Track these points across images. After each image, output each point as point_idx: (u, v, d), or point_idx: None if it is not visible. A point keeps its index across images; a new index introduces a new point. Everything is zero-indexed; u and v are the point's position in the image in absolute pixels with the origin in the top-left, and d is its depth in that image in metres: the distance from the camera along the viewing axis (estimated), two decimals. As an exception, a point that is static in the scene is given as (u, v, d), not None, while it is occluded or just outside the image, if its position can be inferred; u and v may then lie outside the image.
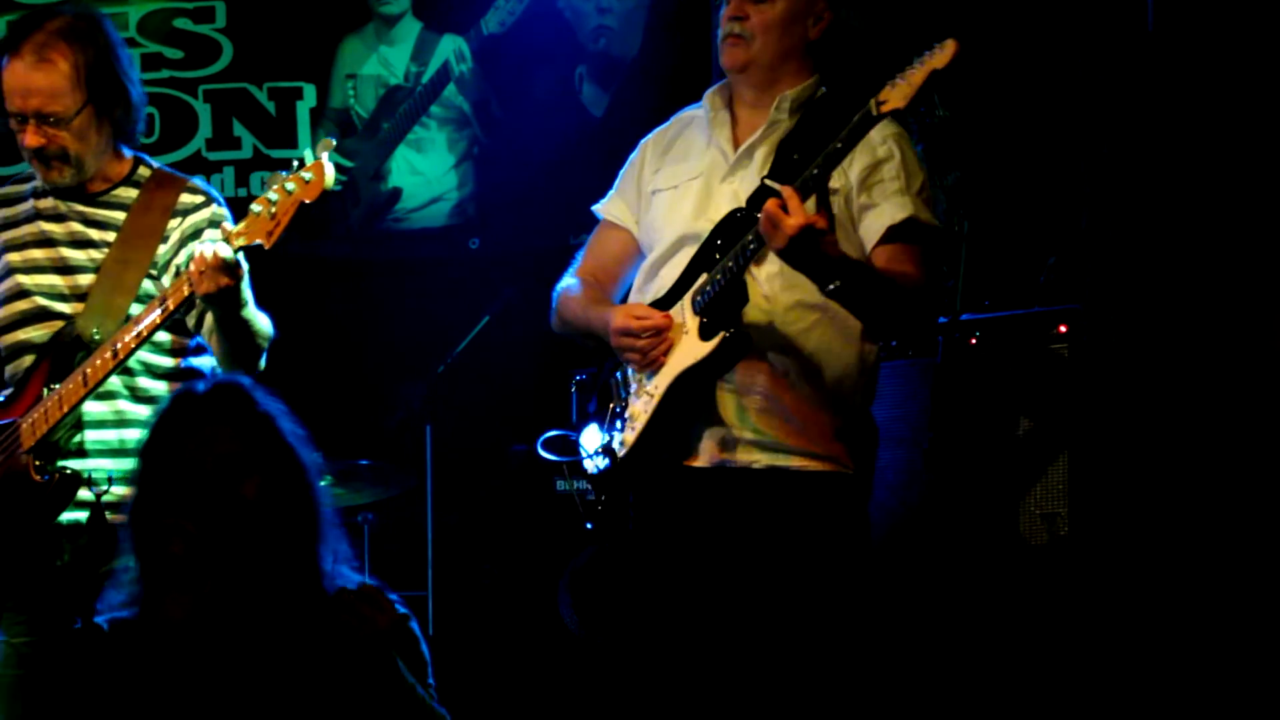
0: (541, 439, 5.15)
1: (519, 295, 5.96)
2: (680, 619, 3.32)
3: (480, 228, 6.63)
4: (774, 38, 3.35)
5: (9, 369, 3.55)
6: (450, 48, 6.61)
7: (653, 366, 3.32)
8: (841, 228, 3.26)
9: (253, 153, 6.60)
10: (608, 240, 3.58)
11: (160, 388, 3.47)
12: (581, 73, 6.56)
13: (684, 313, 3.30)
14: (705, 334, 3.24)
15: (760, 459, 3.29)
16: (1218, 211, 4.46)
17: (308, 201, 3.19)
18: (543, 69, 6.56)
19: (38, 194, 3.58)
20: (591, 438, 3.50)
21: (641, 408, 3.33)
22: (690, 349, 3.26)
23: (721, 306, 3.23)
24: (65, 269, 3.52)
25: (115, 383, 3.42)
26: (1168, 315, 4.48)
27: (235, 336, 3.40)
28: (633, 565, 3.43)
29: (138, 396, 3.46)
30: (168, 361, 3.51)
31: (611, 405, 3.44)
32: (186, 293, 3.28)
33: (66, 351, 3.43)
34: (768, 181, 3.25)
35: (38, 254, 3.54)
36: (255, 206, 3.22)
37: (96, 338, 3.42)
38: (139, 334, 3.33)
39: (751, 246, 3.17)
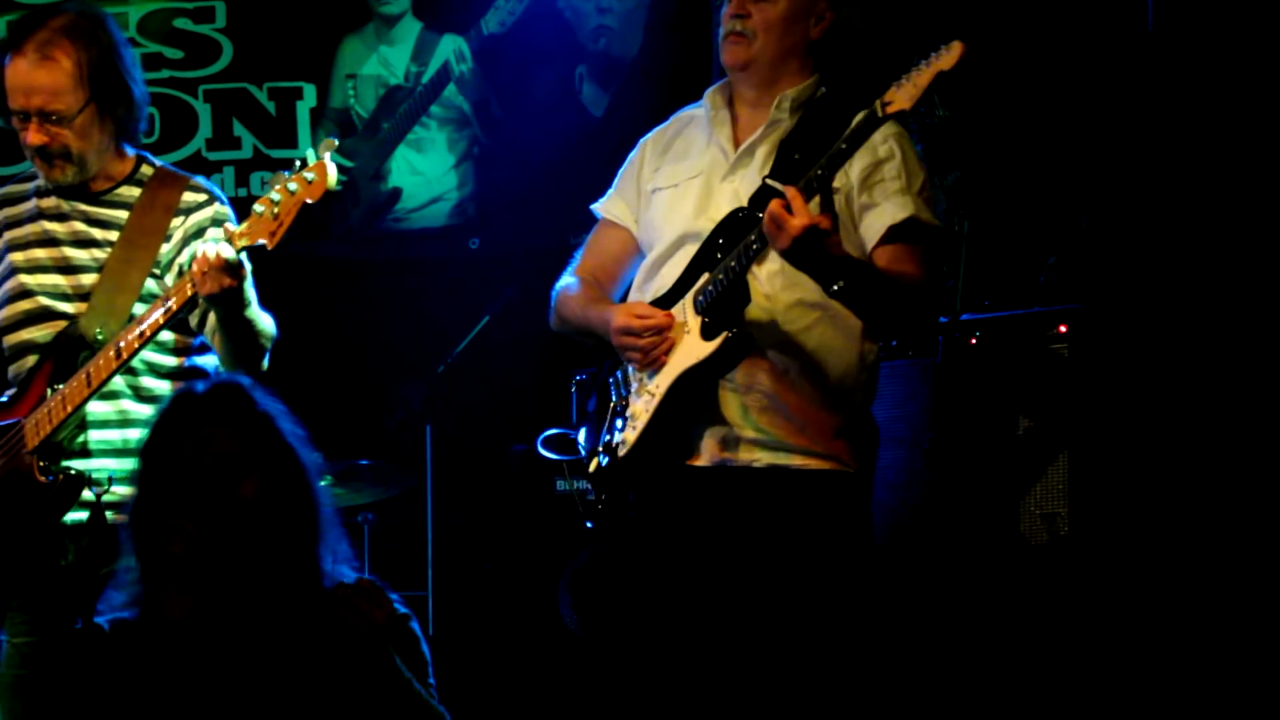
0: (541, 437, 5.15)
1: (519, 295, 5.96)
2: (682, 618, 3.31)
3: (480, 228, 6.63)
4: (776, 36, 3.35)
5: (12, 369, 3.54)
6: (450, 48, 6.61)
7: (653, 365, 3.32)
8: (842, 226, 3.25)
9: (253, 153, 6.60)
10: (607, 239, 3.58)
11: (164, 387, 3.47)
12: (581, 73, 6.57)
13: (685, 312, 3.30)
14: (707, 334, 3.24)
15: (762, 458, 3.29)
16: (1218, 211, 4.45)
17: (310, 202, 3.18)
18: (543, 69, 6.56)
19: (40, 193, 3.58)
20: (591, 436, 3.50)
21: (643, 407, 3.33)
22: (692, 348, 3.26)
23: (724, 306, 3.23)
24: (68, 268, 3.51)
25: (119, 382, 3.42)
26: (1168, 315, 4.48)
27: (238, 336, 3.40)
28: (634, 564, 3.42)
29: (141, 396, 3.45)
30: (171, 360, 3.50)
31: (612, 404, 3.44)
32: (190, 293, 3.28)
33: (69, 351, 3.43)
34: (769, 182, 3.25)
35: (41, 253, 3.53)
36: (258, 207, 3.21)
37: (100, 338, 3.42)
38: (142, 334, 3.33)
39: (755, 247, 3.17)
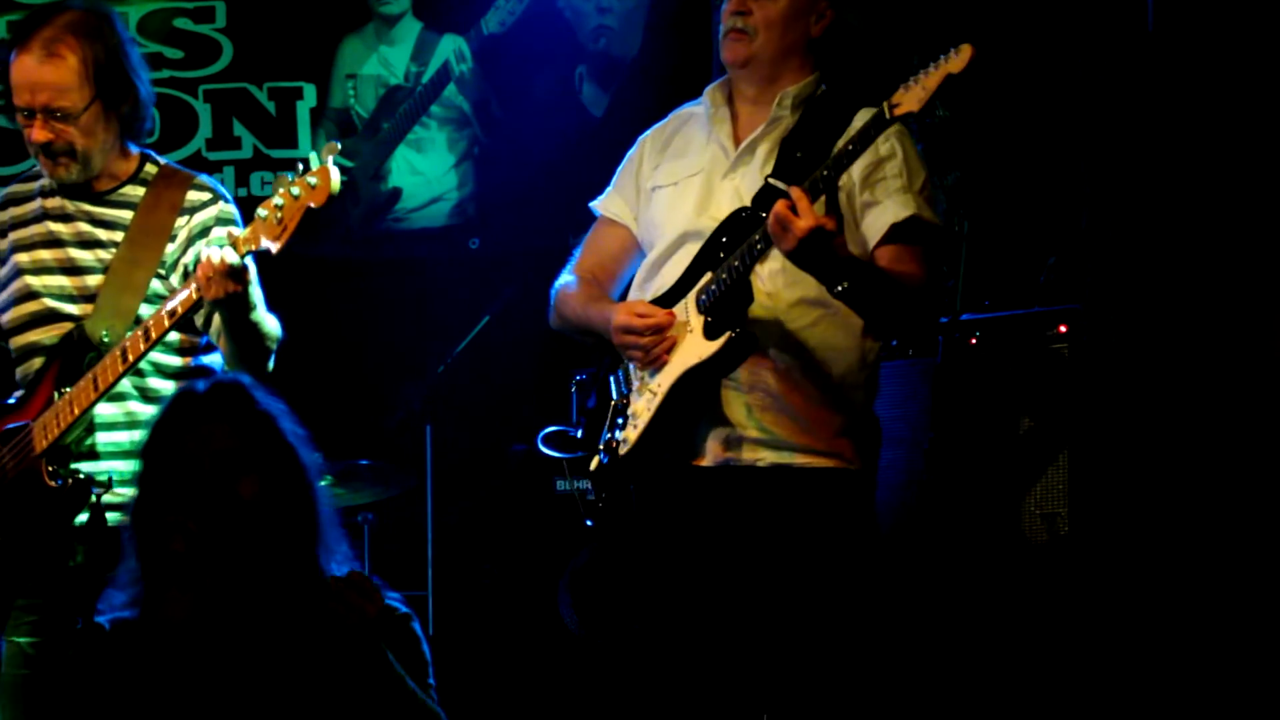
0: (541, 434, 5.15)
1: (519, 295, 5.96)
2: (688, 617, 3.31)
3: (480, 228, 6.63)
4: (776, 34, 3.35)
5: (19, 371, 3.54)
6: (450, 48, 6.61)
7: (655, 364, 3.31)
8: (844, 224, 3.26)
9: (253, 153, 6.60)
10: (606, 237, 3.58)
11: (170, 388, 3.45)
12: (581, 73, 6.57)
13: (688, 311, 3.30)
14: (710, 333, 3.24)
15: (766, 457, 3.29)
16: (1218, 211, 4.45)
17: (315, 206, 3.16)
18: (543, 69, 6.56)
19: (45, 193, 3.57)
20: (591, 434, 3.49)
21: (644, 405, 3.32)
22: (695, 347, 3.26)
23: (727, 306, 3.23)
24: (73, 270, 3.51)
25: (125, 384, 3.41)
26: (1168, 315, 4.48)
27: (243, 339, 3.40)
28: (637, 564, 3.42)
29: (148, 397, 3.45)
30: (177, 361, 3.50)
31: (612, 402, 3.44)
32: (195, 297, 3.27)
33: (76, 353, 3.42)
34: (772, 181, 3.25)
35: (45, 255, 3.53)
36: (261, 211, 3.19)
37: (106, 339, 3.41)
38: (148, 337, 3.32)
39: (759, 247, 3.17)
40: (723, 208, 3.33)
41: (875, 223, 3.29)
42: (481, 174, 6.62)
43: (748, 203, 3.30)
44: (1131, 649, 4.24)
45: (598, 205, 3.61)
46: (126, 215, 3.51)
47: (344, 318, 6.56)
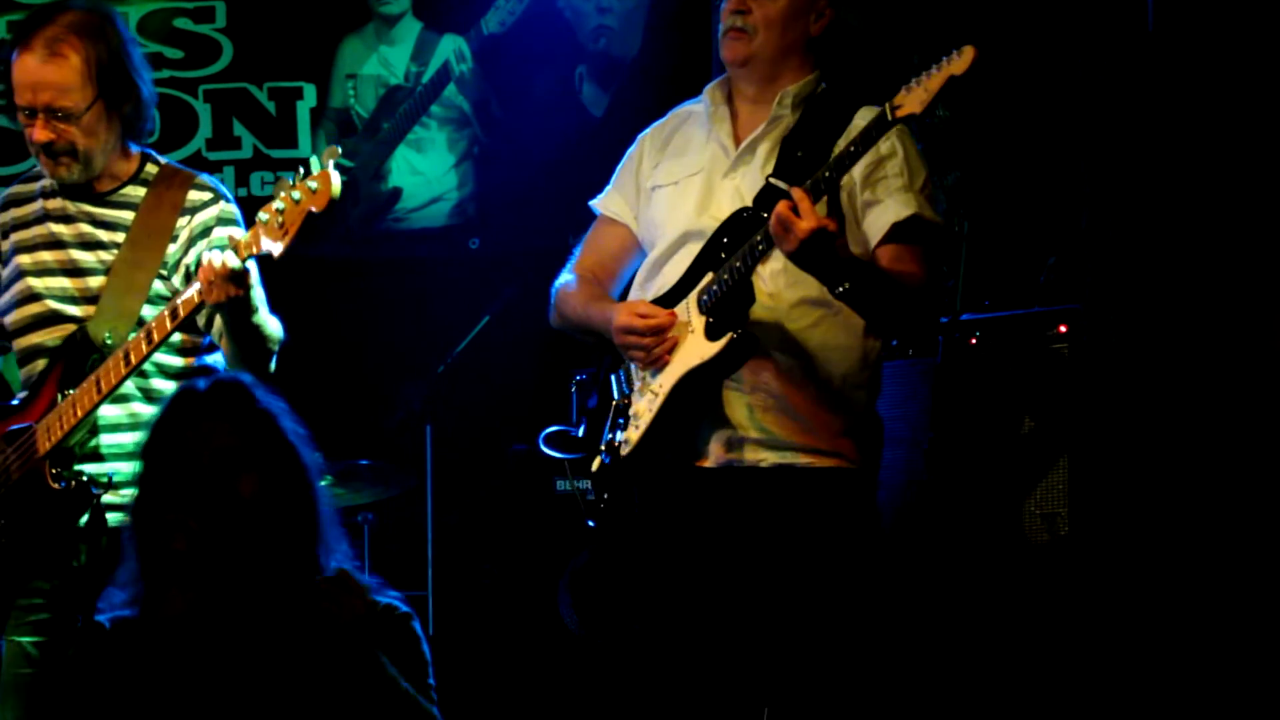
0: (543, 434, 5.14)
1: (519, 295, 5.96)
2: (692, 618, 3.31)
3: (480, 228, 6.63)
4: (776, 33, 3.35)
5: (23, 372, 3.54)
6: (450, 48, 6.61)
7: (656, 364, 3.31)
8: (845, 223, 3.26)
9: (253, 153, 6.60)
10: (606, 236, 3.58)
11: (173, 388, 3.44)
12: (581, 73, 6.57)
13: (689, 311, 3.30)
14: (712, 334, 3.24)
15: (768, 458, 3.29)
16: (1218, 211, 4.45)
17: (316, 211, 3.15)
18: (543, 69, 6.56)
19: (46, 194, 3.56)
20: (593, 434, 3.49)
21: (645, 406, 3.32)
22: (696, 348, 3.26)
23: (729, 306, 3.23)
24: (75, 271, 3.50)
25: (129, 386, 3.41)
26: (1168, 315, 4.48)
27: (245, 341, 3.39)
28: (641, 564, 3.42)
29: (151, 398, 3.44)
30: (180, 361, 3.50)
31: (614, 402, 3.44)
32: (197, 300, 3.27)
33: (79, 355, 3.42)
34: (774, 181, 3.25)
35: (47, 256, 3.52)
36: (262, 215, 3.18)
37: (109, 341, 3.41)
38: (151, 339, 3.32)
39: (761, 248, 3.16)
40: (723, 207, 3.33)
41: (876, 222, 3.29)
42: (481, 174, 6.62)
43: (749, 202, 3.29)
44: (1132, 649, 4.24)
45: (597, 204, 3.61)
46: (128, 216, 3.51)
47: (344, 318, 6.56)
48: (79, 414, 3.35)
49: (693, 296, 3.30)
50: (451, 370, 6.12)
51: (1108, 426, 4.38)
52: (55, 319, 3.49)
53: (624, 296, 3.54)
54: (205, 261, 3.23)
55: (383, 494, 5.84)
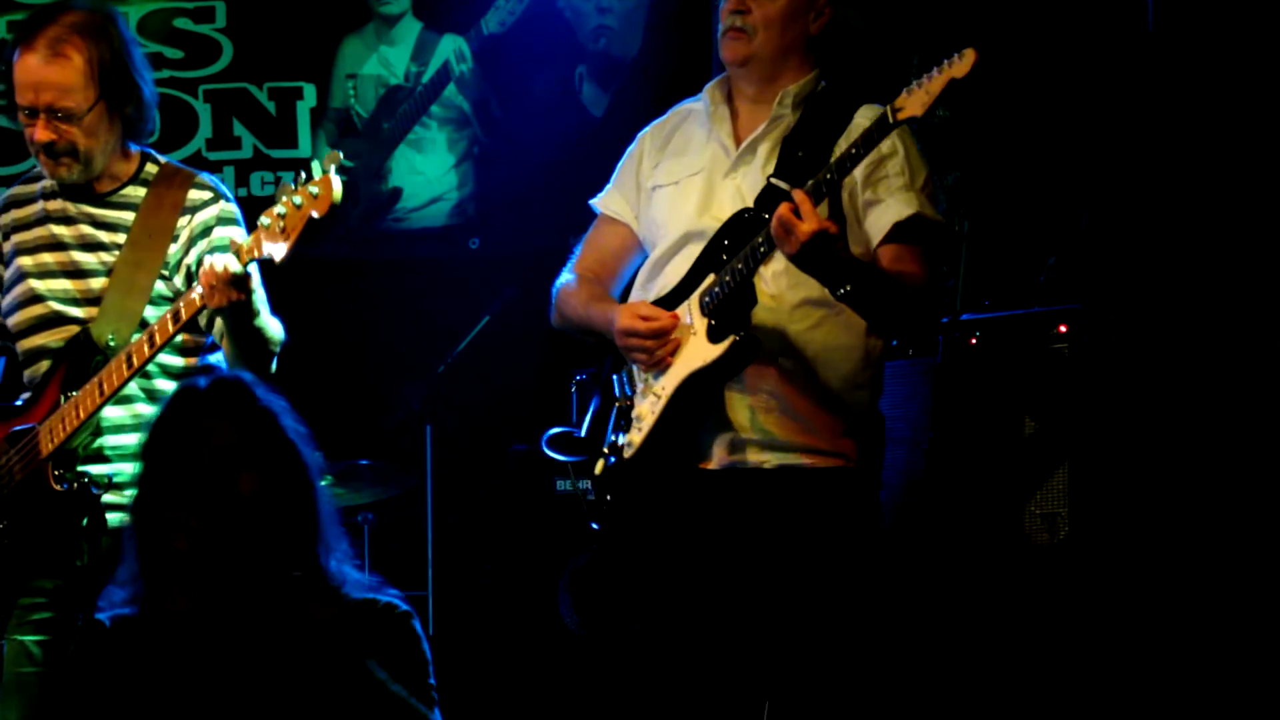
0: (546, 436, 5.14)
1: (519, 295, 5.96)
2: (697, 619, 3.31)
3: (480, 228, 6.63)
4: (776, 32, 3.34)
5: (27, 373, 3.53)
6: (450, 48, 6.61)
7: (659, 367, 3.31)
8: (846, 222, 3.26)
9: (253, 153, 6.60)
10: (607, 235, 3.57)
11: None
12: (581, 73, 6.57)
13: (691, 313, 3.29)
14: (714, 336, 3.23)
15: (771, 459, 3.29)
16: (1218, 211, 4.45)
17: (318, 216, 3.15)
18: (543, 69, 6.56)
19: (46, 195, 3.56)
20: (595, 435, 3.48)
21: (648, 408, 3.32)
22: (699, 351, 3.25)
23: (731, 308, 3.23)
24: (76, 273, 3.50)
25: (132, 386, 3.40)
26: (1168, 315, 4.48)
27: (246, 343, 3.39)
28: (644, 566, 3.41)
29: (154, 399, 3.44)
30: (183, 361, 3.50)
31: (616, 404, 3.43)
32: (199, 304, 3.27)
33: (82, 357, 3.42)
34: (775, 181, 3.25)
35: (48, 258, 3.52)
36: (264, 219, 3.17)
37: (111, 343, 3.40)
38: (154, 343, 3.32)
39: (762, 250, 3.16)
40: (725, 207, 3.32)
41: (878, 221, 3.28)
42: (481, 174, 6.62)
43: (749, 202, 3.29)
44: (1132, 649, 4.24)
45: (598, 202, 3.61)
46: (128, 217, 3.51)
47: (344, 318, 6.56)
48: (81, 416, 3.35)
49: (694, 298, 3.29)
50: (451, 370, 6.11)
51: (1108, 426, 4.38)
52: (58, 320, 3.48)
53: (625, 296, 3.54)
54: (207, 266, 3.22)
55: (383, 494, 5.84)
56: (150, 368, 3.41)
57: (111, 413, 3.41)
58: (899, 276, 3.23)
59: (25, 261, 3.53)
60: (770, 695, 3.27)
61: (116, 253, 3.48)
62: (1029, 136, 5.25)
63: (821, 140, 3.27)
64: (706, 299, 3.26)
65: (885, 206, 3.27)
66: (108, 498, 3.35)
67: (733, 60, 3.38)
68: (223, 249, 3.43)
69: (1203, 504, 4.27)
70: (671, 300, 3.34)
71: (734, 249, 3.24)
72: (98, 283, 3.48)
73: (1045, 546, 4.41)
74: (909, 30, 5.32)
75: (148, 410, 3.42)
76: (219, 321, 3.44)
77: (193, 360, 3.50)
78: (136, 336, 3.37)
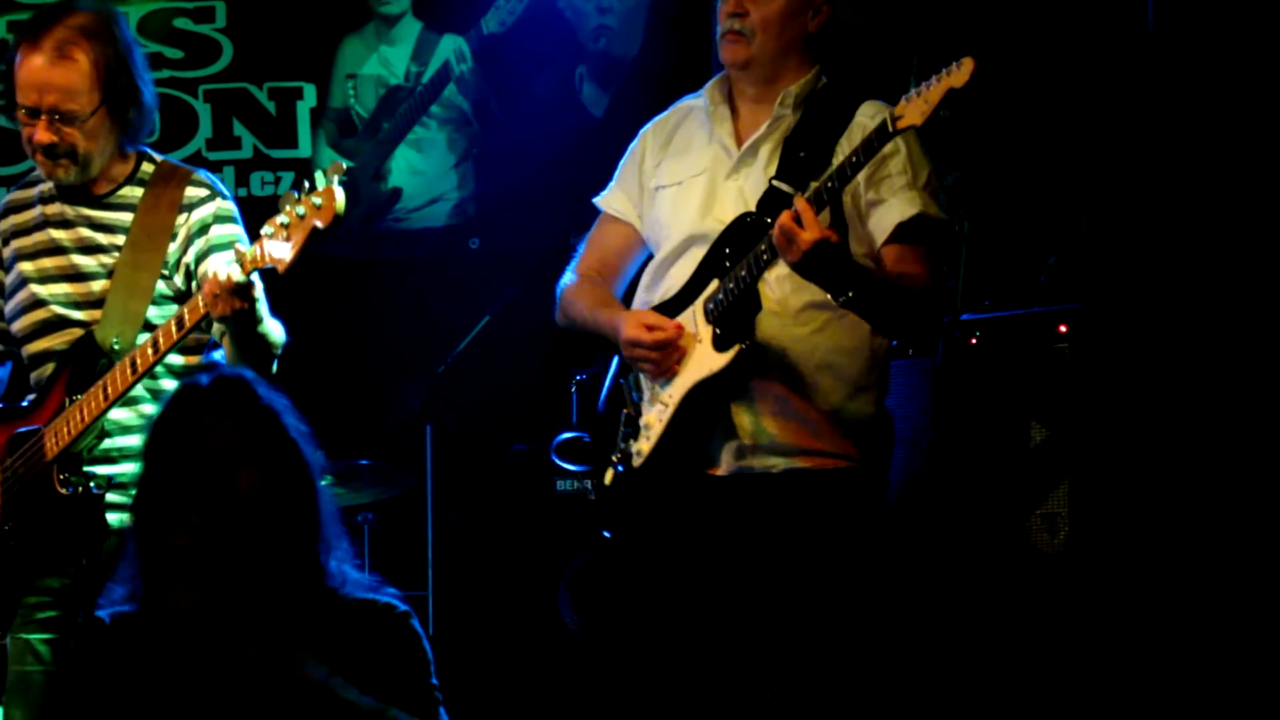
0: (555, 443, 5.14)
1: (519, 295, 5.96)
2: (707, 624, 3.30)
3: (480, 228, 6.63)
4: (774, 33, 3.33)
5: (33, 376, 3.53)
6: (450, 48, 6.61)
7: (666, 375, 3.31)
8: (849, 223, 3.26)
9: (253, 153, 6.60)
10: (610, 234, 3.57)
11: None
12: (581, 73, 6.57)
13: (695, 321, 3.28)
14: (720, 345, 3.23)
15: (778, 463, 3.28)
16: (1218, 211, 4.45)
17: (321, 226, 3.15)
18: (543, 69, 6.56)
19: (44, 199, 3.55)
20: (604, 442, 3.47)
21: (656, 417, 3.31)
22: (704, 360, 3.25)
23: (735, 316, 3.22)
24: (77, 276, 3.49)
25: (138, 387, 3.40)
26: (1168, 315, 4.48)
27: (247, 348, 3.39)
28: (654, 572, 3.40)
29: (159, 399, 3.43)
30: (185, 360, 3.49)
31: (624, 411, 3.43)
32: (202, 311, 3.26)
33: (87, 360, 3.41)
34: (777, 184, 3.25)
35: (48, 263, 3.51)
36: (267, 229, 3.16)
37: (116, 346, 3.40)
38: (158, 349, 3.31)
39: (765, 257, 3.15)
40: (727, 209, 3.32)
41: (881, 222, 3.28)
42: (481, 174, 6.62)
43: (752, 204, 3.29)
44: (1132, 649, 4.24)
45: (600, 201, 3.60)
46: (126, 218, 3.50)
47: (344, 318, 6.56)
48: (86, 419, 3.35)
49: (699, 304, 3.28)
50: (451, 370, 6.11)
51: (1108, 427, 4.38)
52: (61, 324, 3.48)
53: (629, 294, 3.54)
54: (210, 275, 3.22)
55: (383, 494, 5.85)
56: (155, 369, 3.41)
57: (118, 414, 3.41)
58: (901, 278, 3.23)
59: (26, 267, 3.53)
60: (779, 697, 3.27)
61: (116, 255, 3.48)
62: (1029, 137, 5.25)
63: (823, 139, 3.27)
64: (710, 306, 3.26)
65: (888, 206, 3.27)
66: (112, 497, 3.35)
67: (732, 63, 3.37)
68: (220, 247, 3.43)
69: (1203, 504, 4.27)
70: (675, 305, 3.33)
71: (737, 255, 3.23)
72: (99, 285, 3.48)
73: (1045, 547, 4.41)
74: (909, 30, 5.32)
75: (154, 410, 3.42)
76: (219, 325, 3.44)
77: (195, 358, 3.50)
78: (142, 337, 3.37)
